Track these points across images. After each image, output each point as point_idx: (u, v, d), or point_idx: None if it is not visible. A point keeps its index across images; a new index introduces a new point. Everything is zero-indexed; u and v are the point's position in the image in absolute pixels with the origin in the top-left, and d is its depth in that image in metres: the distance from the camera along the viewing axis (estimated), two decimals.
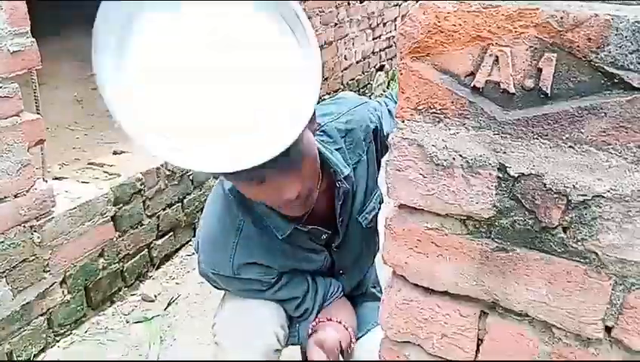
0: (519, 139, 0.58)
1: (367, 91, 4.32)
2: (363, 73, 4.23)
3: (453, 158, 0.62)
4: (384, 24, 4.51)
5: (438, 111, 0.62)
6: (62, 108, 3.20)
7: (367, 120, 1.24)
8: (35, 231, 1.74)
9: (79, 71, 3.73)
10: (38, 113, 1.73)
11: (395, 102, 1.37)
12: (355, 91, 4.15)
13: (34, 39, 1.63)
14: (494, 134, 0.59)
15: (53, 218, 1.79)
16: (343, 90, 3.95)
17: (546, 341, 0.66)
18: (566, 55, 0.54)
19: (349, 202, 1.24)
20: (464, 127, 0.61)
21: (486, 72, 0.58)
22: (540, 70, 0.56)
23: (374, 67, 4.45)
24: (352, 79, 4.08)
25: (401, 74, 0.63)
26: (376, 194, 1.30)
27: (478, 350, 0.71)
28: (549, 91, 0.56)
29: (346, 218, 1.25)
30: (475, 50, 0.59)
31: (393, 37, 4.71)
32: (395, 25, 4.74)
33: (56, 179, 2.02)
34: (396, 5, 4.65)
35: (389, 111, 1.33)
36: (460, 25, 0.59)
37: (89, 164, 2.24)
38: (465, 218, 0.65)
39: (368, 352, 1.30)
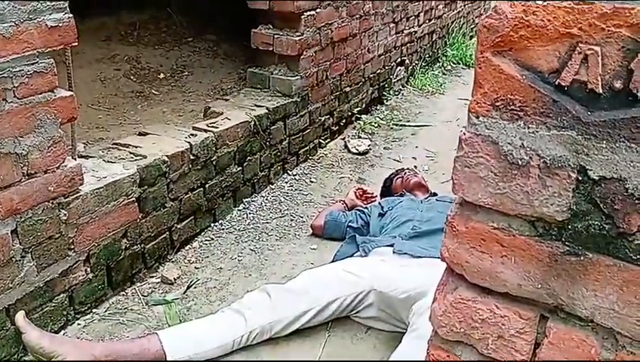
0: (603, 141, 0.57)
1: (386, 85, 4.29)
2: (384, 67, 4.20)
3: (530, 157, 0.61)
4: (407, 19, 4.47)
5: (518, 109, 0.60)
6: (85, 87, 3.20)
7: None
8: (62, 208, 1.74)
9: (102, 51, 3.73)
10: (70, 90, 1.72)
11: None
12: (375, 85, 4.12)
13: (72, 15, 1.62)
14: (577, 135, 0.58)
15: (80, 196, 1.79)
16: (364, 84, 3.92)
17: (608, 347, 0.65)
18: None
19: None
20: (545, 126, 0.59)
21: (573, 71, 0.57)
22: (630, 71, 0.55)
23: (395, 62, 4.40)
24: (373, 73, 4.04)
25: (480, 68, 0.62)
26: None
27: (534, 353, 0.70)
28: (639, 94, 0.54)
29: None
30: (562, 47, 0.57)
31: (415, 32, 4.66)
32: (418, 20, 4.69)
33: (82, 157, 2.01)
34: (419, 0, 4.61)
35: None
36: (549, 20, 0.57)
37: (114, 144, 2.23)
38: (535, 219, 0.64)
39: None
